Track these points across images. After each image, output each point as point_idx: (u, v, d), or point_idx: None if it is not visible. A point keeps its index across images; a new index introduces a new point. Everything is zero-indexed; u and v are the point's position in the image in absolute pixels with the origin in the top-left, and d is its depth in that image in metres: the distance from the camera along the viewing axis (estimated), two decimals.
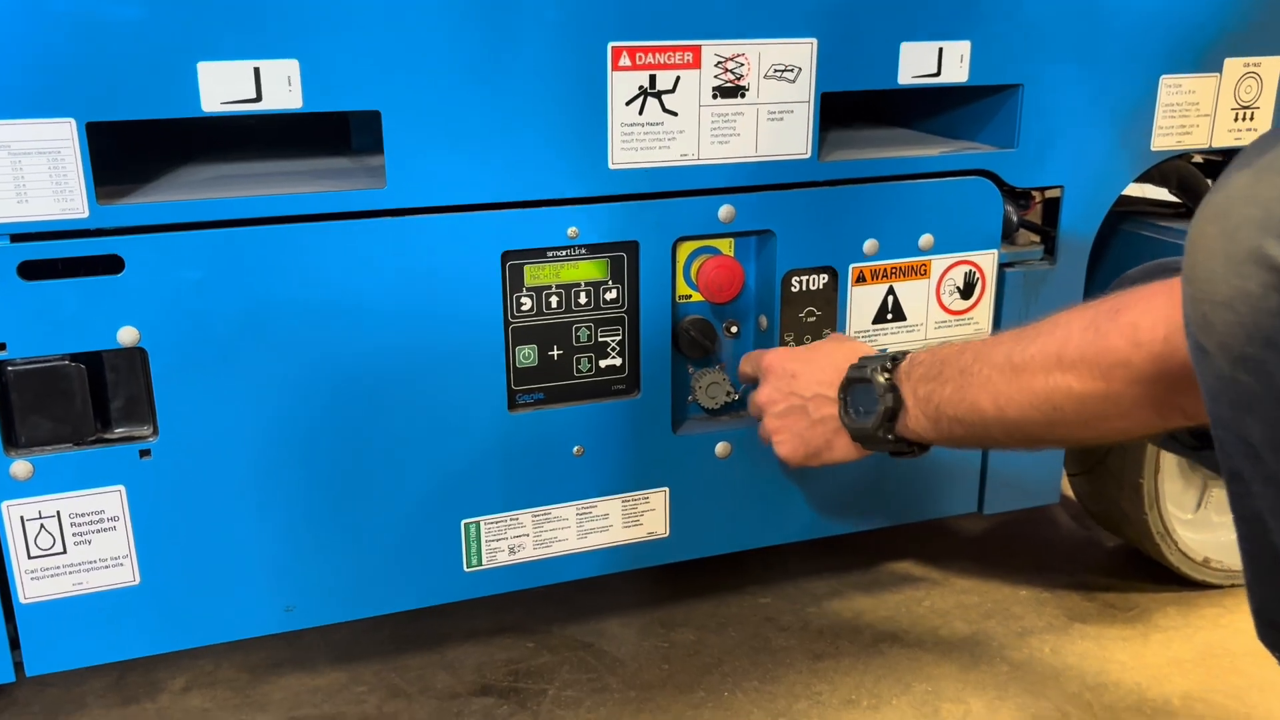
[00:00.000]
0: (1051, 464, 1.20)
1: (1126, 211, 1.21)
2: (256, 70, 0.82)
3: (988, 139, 1.10)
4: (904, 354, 0.90)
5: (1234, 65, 1.12)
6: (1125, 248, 1.20)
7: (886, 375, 0.88)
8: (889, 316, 1.08)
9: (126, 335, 0.84)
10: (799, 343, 1.05)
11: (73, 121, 0.79)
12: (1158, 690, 1.11)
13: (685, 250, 1.02)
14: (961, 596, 1.28)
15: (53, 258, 0.82)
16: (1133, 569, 1.32)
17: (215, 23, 0.81)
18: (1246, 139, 1.15)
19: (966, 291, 1.09)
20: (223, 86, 0.82)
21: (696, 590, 1.28)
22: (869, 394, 0.90)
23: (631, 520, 1.05)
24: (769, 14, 0.94)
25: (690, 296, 1.03)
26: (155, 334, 0.85)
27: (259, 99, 0.83)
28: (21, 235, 0.81)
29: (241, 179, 0.92)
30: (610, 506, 1.03)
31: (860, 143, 1.08)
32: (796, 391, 0.96)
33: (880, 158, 1.03)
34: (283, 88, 0.83)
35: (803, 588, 1.30)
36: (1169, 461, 1.25)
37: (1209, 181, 1.22)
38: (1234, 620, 1.23)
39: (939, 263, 1.07)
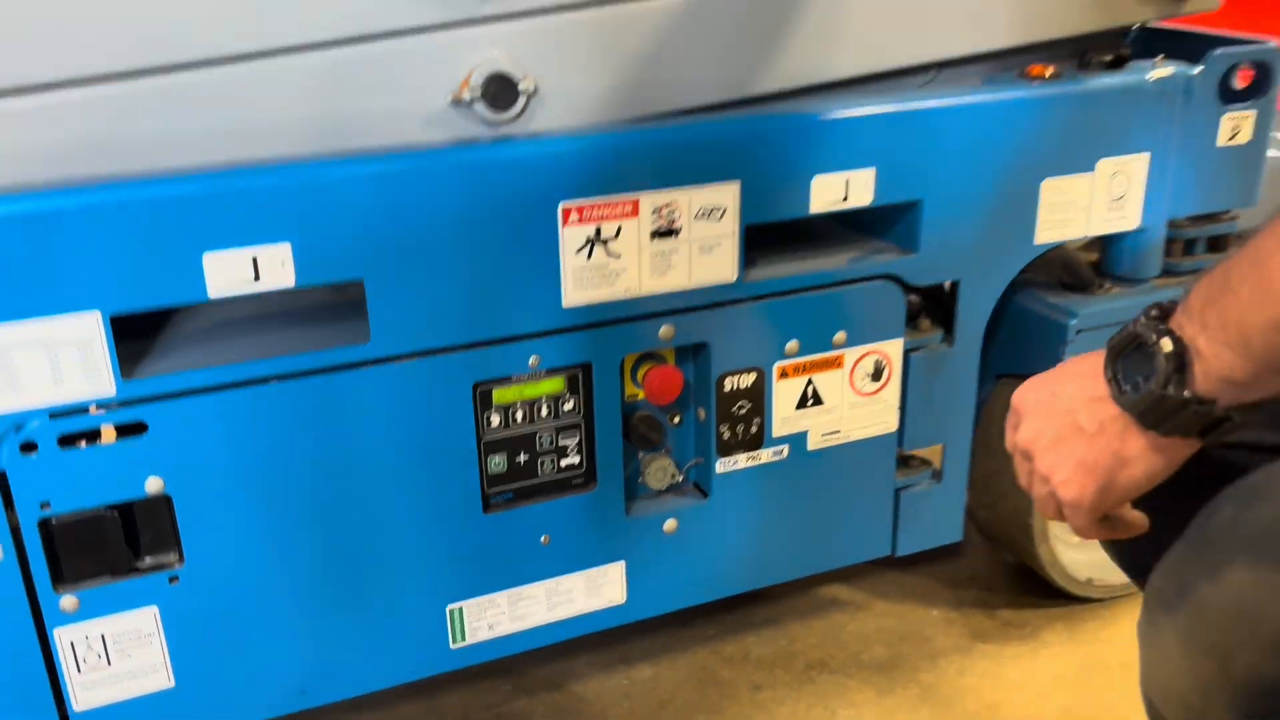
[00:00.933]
0: (955, 504, 1.38)
1: (1018, 283, 1.38)
2: (255, 258, 0.95)
3: (892, 241, 1.25)
4: (1172, 302, 0.72)
5: (1106, 164, 1.28)
6: (1016, 320, 1.36)
7: (1155, 319, 0.71)
8: (809, 403, 1.24)
9: (153, 485, 0.98)
10: (734, 432, 1.21)
11: (98, 314, 0.92)
12: (1041, 707, 1.30)
13: (632, 359, 1.16)
14: (881, 620, 1.46)
15: (86, 429, 0.95)
16: (1029, 585, 1.52)
17: (220, 219, 0.93)
18: (1119, 224, 1.31)
19: (876, 375, 1.26)
20: (225, 273, 0.94)
21: (653, 625, 1.46)
22: (1143, 356, 0.70)
23: (593, 591, 1.21)
24: (697, 166, 1.08)
25: (638, 395, 1.18)
26: (177, 480, 0.99)
27: (257, 279, 0.96)
28: (59, 413, 0.94)
29: (236, 335, 1.05)
30: (574, 582, 1.19)
31: (781, 258, 1.23)
32: (1064, 406, 0.77)
33: (797, 274, 1.18)
34: (277, 269, 0.96)
35: (743, 617, 1.48)
36: None
37: (1087, 264, 1.38)
38: (1114, 633, 1.42)
39: (851, 354, 1.23)
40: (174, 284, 0.93)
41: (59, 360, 0.92)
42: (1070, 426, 0.76)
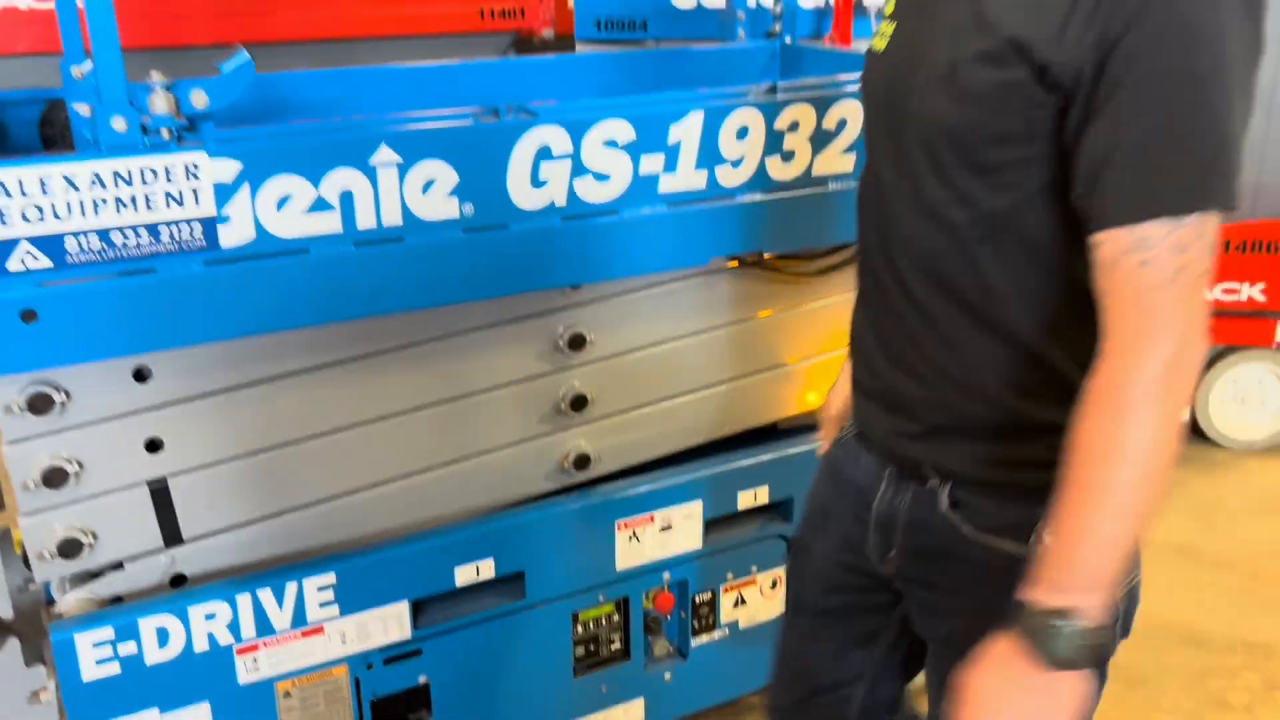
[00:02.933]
0: None
1: None
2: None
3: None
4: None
5: None
6: None
7: (1043, 614, 1.08)
8: (738, 604, 2.28)
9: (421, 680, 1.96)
10: (699, 623, 2.24)
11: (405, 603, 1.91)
12: None
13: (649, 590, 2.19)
14: None
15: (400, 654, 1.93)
16: None
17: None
18: None
19: (774, 586, 2.31)
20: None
21: None
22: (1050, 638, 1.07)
23: (629, 716, 2.22)
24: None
25: (649, 607, 2.21)
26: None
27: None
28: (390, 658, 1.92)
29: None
30: (617, 711, 2.21)
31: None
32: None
33: (733, 539, 2.24)
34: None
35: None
36: None
37: None
38: None
39: (763, 578, 2.28)
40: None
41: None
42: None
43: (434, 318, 1.87)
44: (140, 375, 1.68)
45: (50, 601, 1.80)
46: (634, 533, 2.09)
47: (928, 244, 1.23)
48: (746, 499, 2.19)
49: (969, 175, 1.17)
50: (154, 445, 1.72)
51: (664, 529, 2.12)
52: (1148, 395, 1.05)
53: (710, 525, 2.18)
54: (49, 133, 2.06)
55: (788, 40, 2.68)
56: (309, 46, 4.08)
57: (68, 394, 1.63)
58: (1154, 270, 1.04)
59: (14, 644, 1.80)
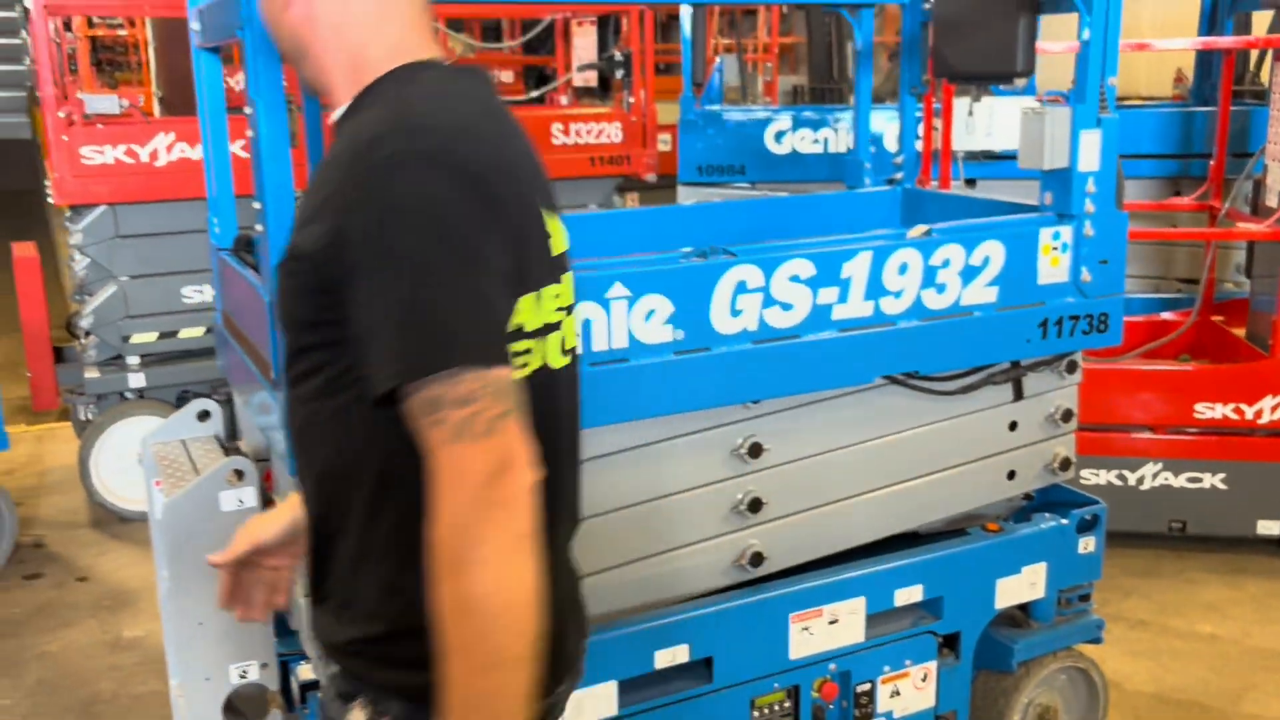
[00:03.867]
0: None
1: None
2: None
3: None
4: None
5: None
6: None
7: None
8: (894, 695, 2.47)
9: None
10: (860, 712, 2.44)
11: None
12: None
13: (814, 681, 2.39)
14: None
15: None
16: None
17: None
18: None
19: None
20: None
21: None
22: None
23: None
24: None
25: (816, 695, 2.40)
26: None
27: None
28: None
29: None
30: None
31: None
32: None
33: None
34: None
35: None
36: None
37: None
38: None
39: (916, 671, 2.48)
40: None
41: None
42: None
43: (636, 428, 2.15)
44: None
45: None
46: (806, 625, 2.31)
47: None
48: (902, 596, 2.41)
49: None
50: None
51: (831, 622, 2.34)
52: (450, 551, 1.09)
53: (870, 620, 2.39)
54: None
55: (900, 183, 2.98)
56: None
57: None
58: (445, 427, 1.11)
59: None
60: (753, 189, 4.99)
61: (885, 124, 4.63)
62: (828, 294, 2.16)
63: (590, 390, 1.95)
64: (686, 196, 4.96)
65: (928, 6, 2.85)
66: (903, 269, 2.21)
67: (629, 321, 1.99)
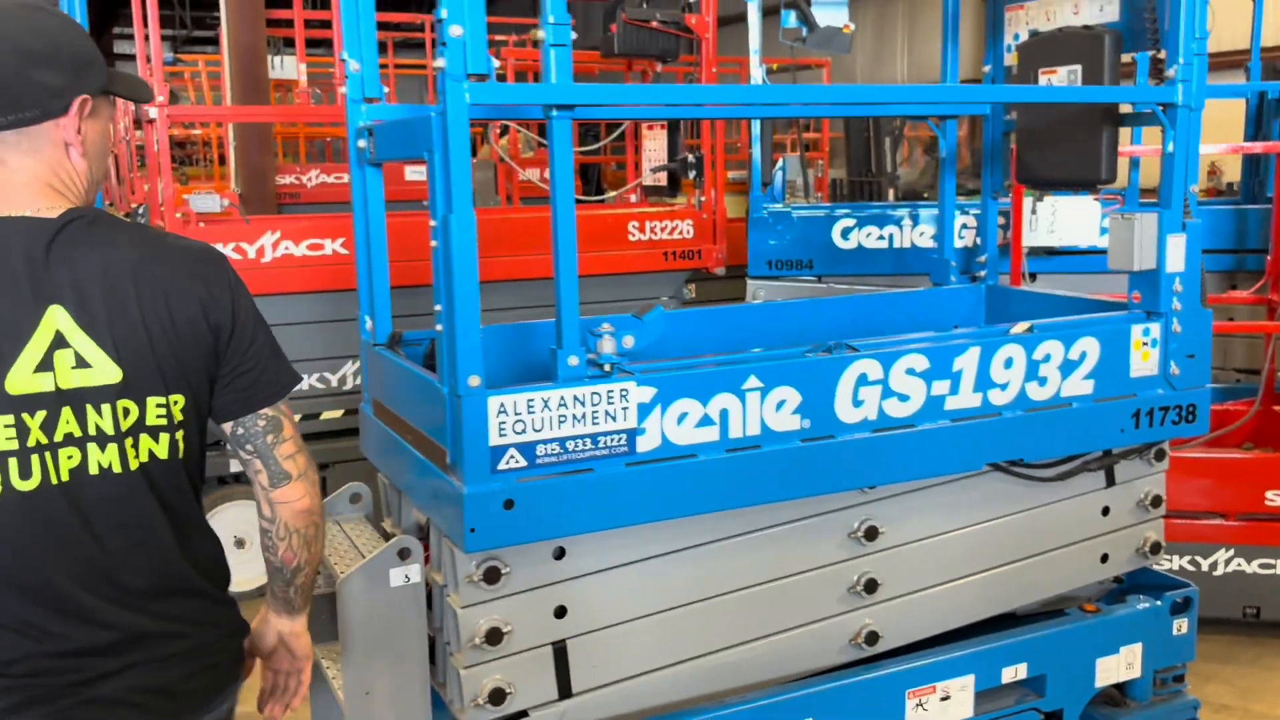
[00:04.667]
0: None
1: None
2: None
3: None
4: None
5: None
6: None
7: None
8: None
9: None
10: None
11: None
12: None
13: None
14: None
15: None
16: None
17: None
18: None
19: None
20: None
21: None
22: None
23: None
24: None
25: None
26: None
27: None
28: None
29: None
30: None
31: None
32: None
33: None
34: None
35: None
36: None
37: None
38: None
39: None
40: None
41: None
42: None
43: (761, 512, 2.30)
44: (559, 554, 2.12)
45: None
46: (921, 701, 2.42)
47: None
48: (1009, 674, 2.52)
49: None
50: (561, 611, 2.14)
51: (944, 699, 2.45)
52: None
53: (978, 697, 2.50)
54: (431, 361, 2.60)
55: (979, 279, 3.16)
56: (523, 285, 4.73)
57: (509, 568, 2.07)
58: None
59: None
60: (819, 282, 5.20)
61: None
62: (940, 386, 2.32)
63: (727, 475, 2.13)
64: (756, 289, 5.17)
65: (1010, 118, 3.07)
66: (1008, 363, 2.38)
67: (761, 411, 2.16)
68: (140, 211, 5.28)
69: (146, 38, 4.96)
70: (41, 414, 1.50)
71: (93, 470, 1.54)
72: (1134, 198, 4.85)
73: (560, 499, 2.00)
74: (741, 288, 6.01)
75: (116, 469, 1.55)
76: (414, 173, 7.64)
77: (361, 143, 2.36)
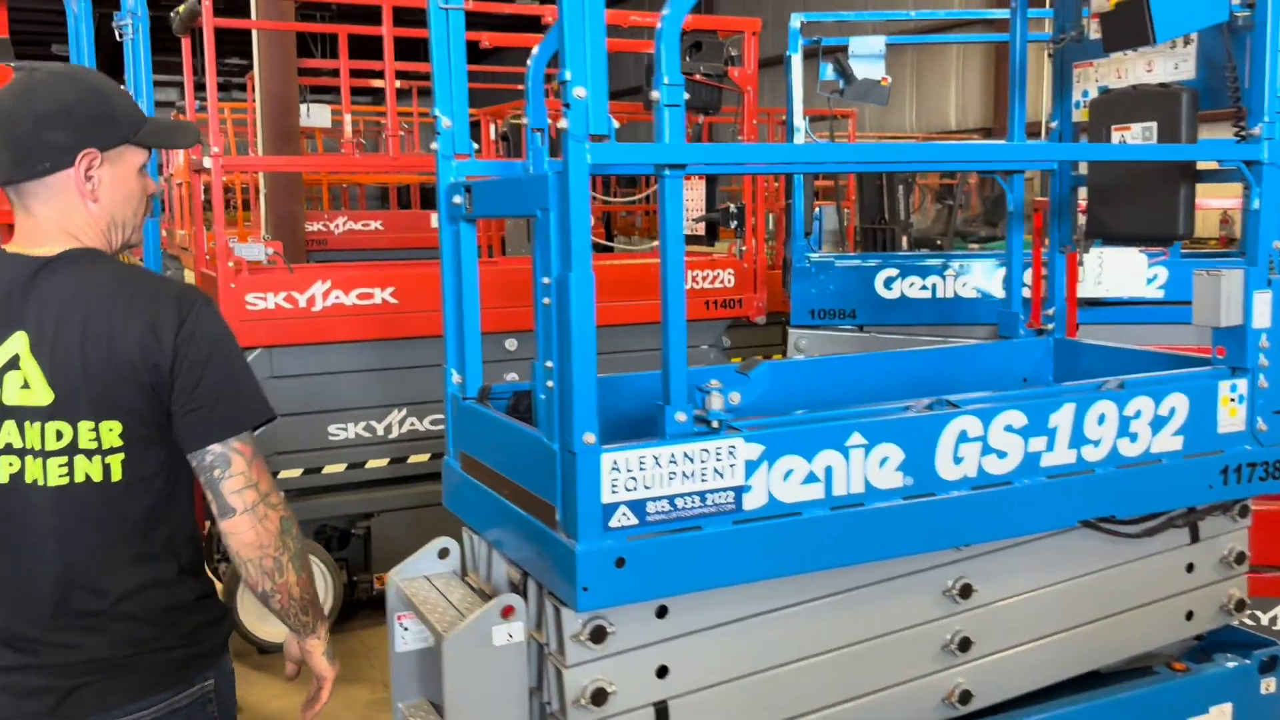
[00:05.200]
0: None
1: None
2: None
3: None
4: None
5: None
6: None
7: None
8: None
9: None
10: None
11: None
12: None
13: None
14: None
15: None
16: None
17: None
18: None
19: None
20: None
21: None
22: None
23: None
24: None
25: None
26: None
27: None
28: None
29: None
30: None
31: None
32: None
33: None
34: None
35: None
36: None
37: None
38: None
39: None
40: None
41: None
42: None
43: (856, 569, 2.28)
44: (661, 612, 2.10)
45: None
46: None
47: None
48: None
49: None
50: (663, 671, 2.11)
51: None
52: None
53: None
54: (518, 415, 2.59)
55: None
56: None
57: (614, 627, 2.05)
58: None
59: None
60: (861, 332, 5.21)
61: (995, 272, 4.88)
62: (1037, 442, 2.31)
63: (831, 534, 2.12)
64: (798, 339, 5.17)
65: (1077, 173, 3.09)
66: (1101, 419, 2.37)
67: (865, 468, 2.15)
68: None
69: (198, 87, 5.02)
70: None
71: (27, 479, 1.75)
72: (1175, 250, 4.88)
73: (670, 557, 1.98)
74: (778, 336, 6.01)
75: (43, 483, 1.75)
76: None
77: (457, 198, 2.37)
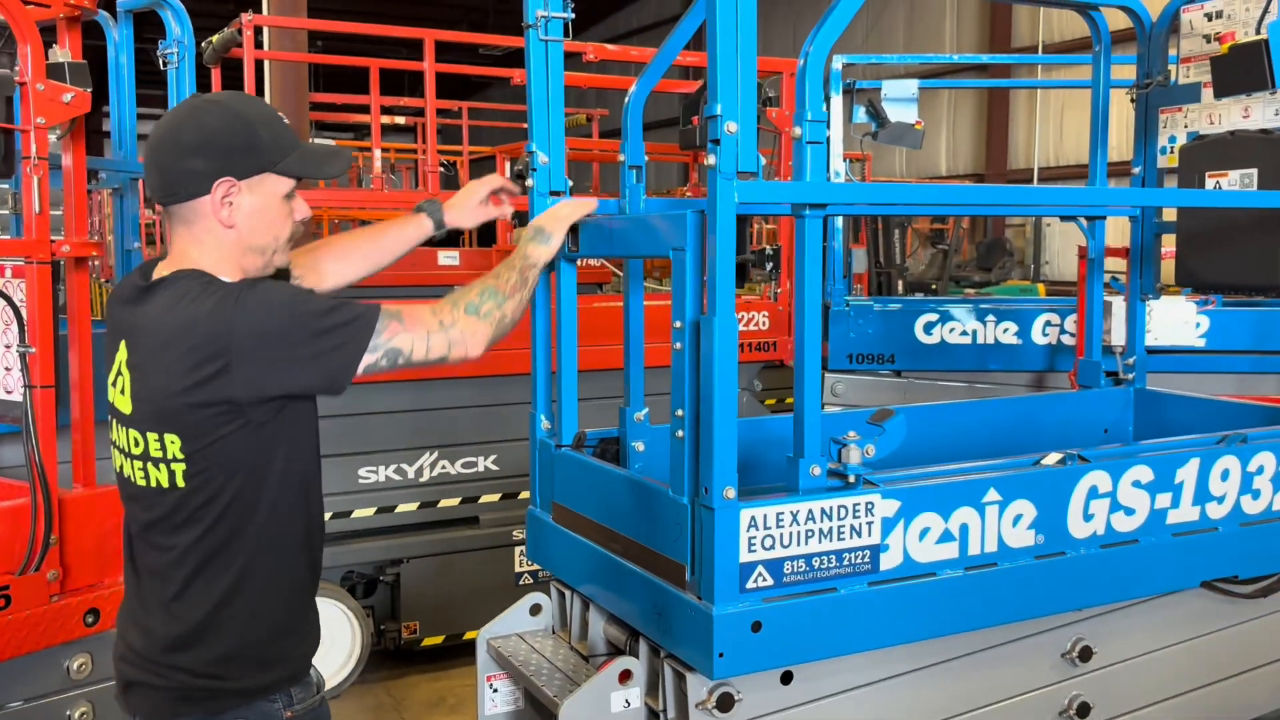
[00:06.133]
0: None
1: None
2: None
3: None
4: None
5: None
6: None
7: None
8: None
9: None
10: None
11: None
12: None
13: None
14: None
15: None
16: None
17: None
18: None
19: None
20: None
21: None
22: None
23: None
24: None
25: None
26: None
27: None
28: None
29: None
30: None
31: None
32: None
33: None
34: None
35: None
36: None
37: None
38: None
39: None
40: None
41: None
42: None
43: (975, 633, 2.16)
44: (786, 678, 1.97)
45: None
46: None
47: None
48: None
49: None
50: None
51: None
52: None
53: None
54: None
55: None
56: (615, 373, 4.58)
57: (741, 695, 1.92)
58: None
59: None
60: (899, 377, 5.12)
61: (1037, 319, 4.82)
62: (1163, 499, 2.21)
63: (965, 595, 2.00)
64: (835, 383, 5.08)
65: (1162, 220, 3.02)
66: (1224, 475, 2.28)
67: (999, 526, 2.04)
68: None
69: None
70: (113, 420, 1.86)
71: (126, 472, 1.84)
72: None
73: (805, 621, 1.86)
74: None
75: (138, 481, 1.82)
76: (447, 258, 7.56)
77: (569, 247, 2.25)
